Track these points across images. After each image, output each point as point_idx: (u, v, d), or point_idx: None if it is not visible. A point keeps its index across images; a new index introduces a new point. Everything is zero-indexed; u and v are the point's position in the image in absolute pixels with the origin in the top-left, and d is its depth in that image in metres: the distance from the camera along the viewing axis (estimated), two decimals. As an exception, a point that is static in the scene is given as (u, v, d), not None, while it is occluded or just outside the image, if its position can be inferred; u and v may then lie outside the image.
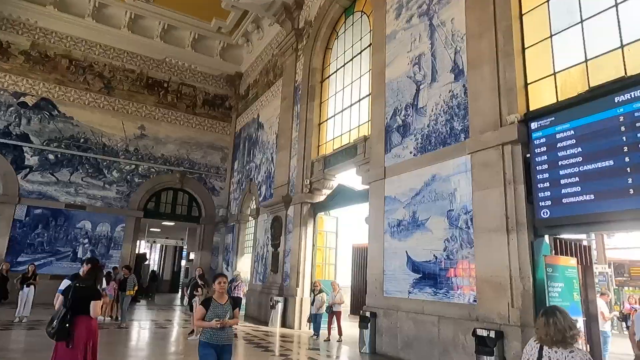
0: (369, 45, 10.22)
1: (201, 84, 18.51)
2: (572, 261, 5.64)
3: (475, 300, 6.09)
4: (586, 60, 5.53)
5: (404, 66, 8.40)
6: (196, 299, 8.92)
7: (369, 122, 9.57)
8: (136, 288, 11.00)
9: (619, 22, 5.25)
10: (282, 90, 14.18)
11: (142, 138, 16.89)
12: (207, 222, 18.02)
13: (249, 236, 15.87)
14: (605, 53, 5.32)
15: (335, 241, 11.61)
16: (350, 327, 10.33)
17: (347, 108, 10.83)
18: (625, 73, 5.06)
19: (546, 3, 6.17)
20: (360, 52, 10.66)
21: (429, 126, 7.52)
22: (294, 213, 11.75)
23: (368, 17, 10.58)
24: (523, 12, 6.44)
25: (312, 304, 9.93)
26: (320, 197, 11.44)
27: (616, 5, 5.30)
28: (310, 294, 10.25)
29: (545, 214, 5.49)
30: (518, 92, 6.14)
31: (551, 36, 6.02)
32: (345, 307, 10.47)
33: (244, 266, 15.52)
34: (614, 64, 5.22)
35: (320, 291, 9.81)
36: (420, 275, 7.14)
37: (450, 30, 7.41)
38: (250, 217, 15.57)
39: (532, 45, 6.25)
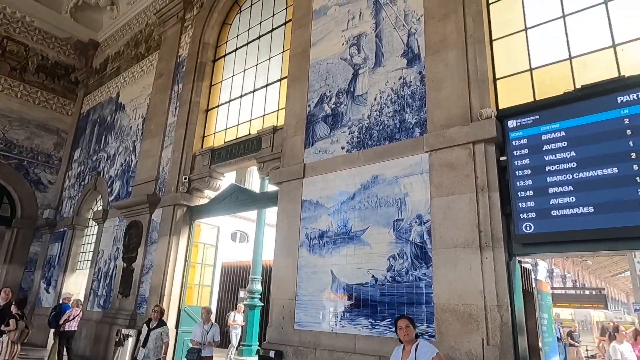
0: (286, 23, 8.58)
1: (38, 45, 14.15)
2: (548, 286, 4.78)
3: (433, 336, 4.75)
4: (570, 58, 4.90)
5: (337, 46, 6.98)
6: (3, 339, 5.64)
7: (281, 110, 7.84)
8: None
9: (609, 20, 4.74)
10: (157, 66, 11.41)
11: None
12: (24, 225, 13.42)
13: (86, 247, 12.15)
14: (595, 52, 4.74)
15: (215, 257, 9.28)
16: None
17: (248, 93, 8.88)
18: (619, 73, 4.51)
19: (519, -6, 5.51)
20: (271, 30, 8.92)
21: (370, 117, 6.16)
22: (163, 218, 9.06)
23: (285, -8, 8.99)
24: (490, 1, 5.69)
25: (142, 343, 6.10)
26: (202, 200, 9.06)
27: (605, 2, 4.82)
28: (151, 323, 6.30)
29: (527, 228, 4.52)
30: (491, 85, 5.25)
31: (526, 29, 5.33)
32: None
33: (74, 287, 11.69)
34: (604, 63, 4.66)
35: (162, 324, 6.26)
36: (352, 303, 5.55)
37: (402, 10, 6.30)
38: (92, 222, 11.95)
39: (501, 37, 5.48)
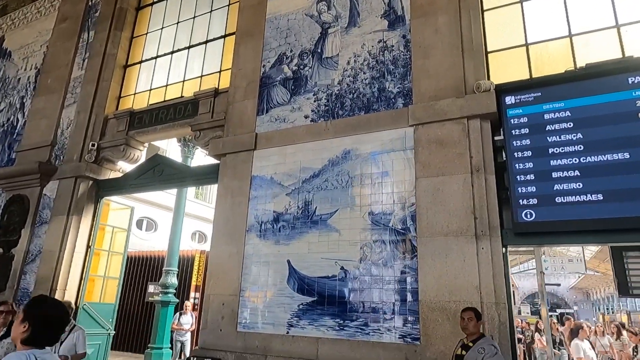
0: (234, -28, 7.31)
1: None
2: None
3: (417, 339, 4.03)
4: (570, 35, 4.53)
5: (302, 1, 5.97)
6: None
7: (225, 71, 6.60)
8: None
9: (612, 1, 4.44)
10: (60, 8, 9.24)
11: None
12: None
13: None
14: (596, 30, 4.41)
15: (126, 243, 7.63)
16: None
17: (183, 49, 7.42)
18: (623, 54, 4.22)
19: (514, -37, 5.05)
20: (215, -21, 7.57)
21: (341, 83, 5.28)
22: (59, 193, 7.19)
23: (234, -63, 7.69)
24: (481, -32, 5.16)
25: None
26: (114, 173, 7.39)
27: (608, -20, 4.52)
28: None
29: (528, 215, 4.01)
30: (490, 55, 4.69)
31: (522, 1, 4.87)
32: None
33: None
34: (606, 43, 4.34)
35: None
36: (313, 299, 4.62)
37: (383, -34, 5.51)
38: (-46, 196, 9.34)
39: (494, 8, 4.97)
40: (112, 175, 7.36)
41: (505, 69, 4.71)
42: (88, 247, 6.99)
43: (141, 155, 7.37)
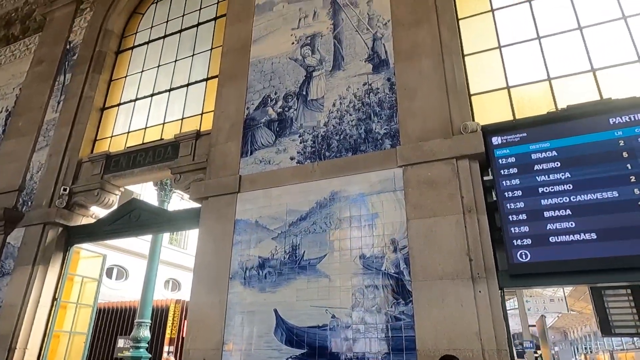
0: (217, 18, 7.42)
1: None
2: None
3: (416, 392, 3.77)
4: (549, 79, 4.68)
5: (286, 45, 6.05)
6: None
7: (207, 114, 6.51)
8: None
9: (586, 47, 4.66)
10: (36, 52, 9.10)
11: None
12: None
13: None
14: (574, 74, 4.59)
15: (96, 294, 7.12)
16: None
17: (163, 92, 7.32)
18: (600, 95, 4.37)
19: (490, 12, 5.29)
20: (197, 25, 7.64)
21: (327, 125, 5.25)
22: (25, 240, 6.72)
23: (217, -14, 7.87)
24: (459, 17, 5.38)
25: None
26: (86, 219, 7.00)
27: (580, 29, 4.76)
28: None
29: (523, 256, 3.93)
30: (473, 97, 4.78)
31: (500, 47, 5.06)
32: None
33: None
34: (585, 86, 4.50)
35: None
36: (303, 351, 4.31)
37: (365, 13, 5.68)
38: None
39: (474, 53, 5.14)
40: (84, 221, 6.96)
41: (489, 110, 4.80)
42: (54, 299, 6.46)
43: (116, 200, 7.04)
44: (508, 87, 4.82)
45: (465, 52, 5.15)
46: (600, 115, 4.12)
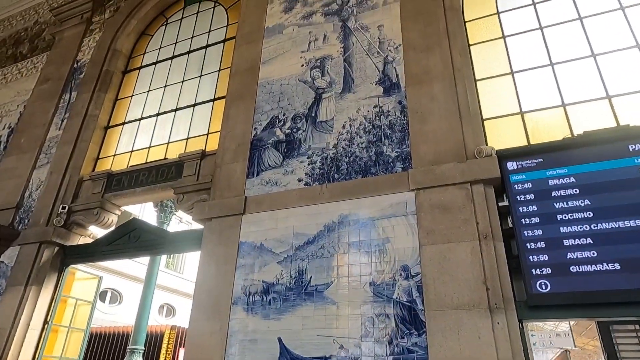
0: (225, 41, 7.45)
1: None
2: None
3: None
4: (564, 105, 4.62)
5: (295, 67, 6.03)
6: None
7: (213, 134, 6.43)
8: None
9: (600, 74, 4.62)
10: (43, 70, 9.11)
11: None
12: None
13: None
14: (589, 101, 4.53)
15: (89, 318, 6.83)
16: None
17: (169, 112, 7.27)
18: (618, 123, 4.29)
19: (502, 39, 5.29)
20: (206, 47, 7.66)
21: (337, 147, 5.14)
22: (19, 259, 6.49)
23: (226, 9, 7.95)
24: (470, 43, 5.38)
25: None
26: (83, 239, 6.79)
27: (593, 55, 4.74)
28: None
29: (543, 286, 3.74)
30: (486, 122, 4.70)
31: (512, 73, 5.02)
32: None
33: None
34: (601, 112, 4.43)
35: None
36: (309, 384, 4.06)
37: (376, 37, 5.68)
38: None
39: (486, 78, 5.10)
40: (82, 241, 6.76)
41: (503, 135, 4.71)
42: (45, 322, 6.18)
43: (115, 220, 6.86)
44: (522, 112, 4.75)
45: (477, 77, 5.11)
46: (618, 142, 4.03)
